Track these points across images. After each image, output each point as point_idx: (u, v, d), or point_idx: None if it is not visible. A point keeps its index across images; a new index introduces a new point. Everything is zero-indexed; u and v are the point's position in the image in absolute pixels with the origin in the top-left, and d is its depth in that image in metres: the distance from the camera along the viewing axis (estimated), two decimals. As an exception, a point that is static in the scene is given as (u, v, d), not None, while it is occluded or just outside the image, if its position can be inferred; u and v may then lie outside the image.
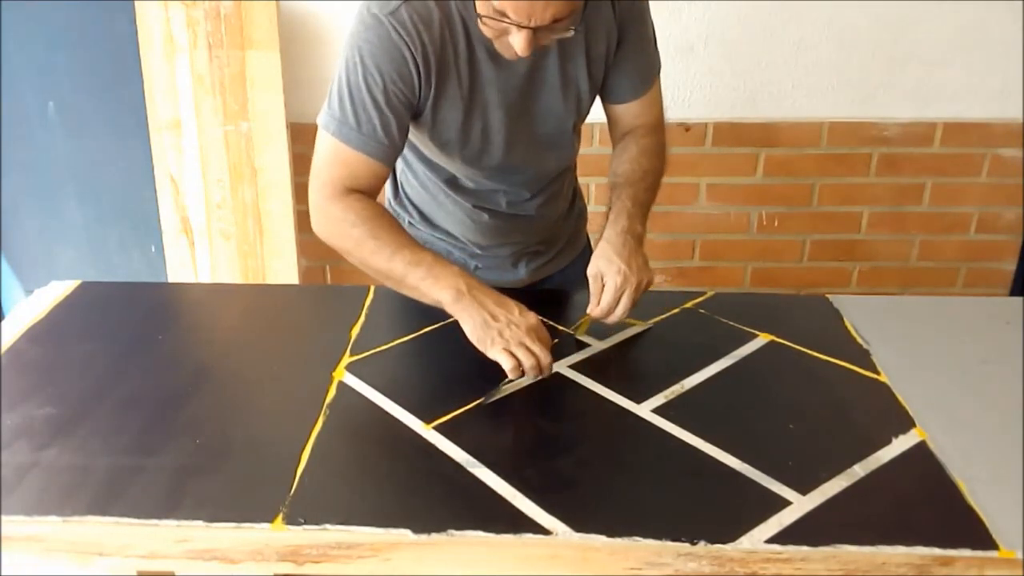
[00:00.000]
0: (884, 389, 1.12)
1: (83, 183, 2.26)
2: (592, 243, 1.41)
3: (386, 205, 1.45)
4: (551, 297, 1.40)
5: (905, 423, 1.05)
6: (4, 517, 0.89)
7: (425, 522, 0.88)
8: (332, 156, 1.18)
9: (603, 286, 1.17)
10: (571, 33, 1.09)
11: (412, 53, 1.13)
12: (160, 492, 0.92)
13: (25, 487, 0.93)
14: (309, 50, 2.12)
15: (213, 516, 0.89)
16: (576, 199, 1.52)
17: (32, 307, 1.33)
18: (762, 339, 1.24)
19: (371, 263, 1.17)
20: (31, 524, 0.89)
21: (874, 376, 1.15)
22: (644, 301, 1.27)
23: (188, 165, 2.13)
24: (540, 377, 1.11)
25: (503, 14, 1.04)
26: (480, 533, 0.87)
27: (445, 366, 1.19)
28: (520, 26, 1.04)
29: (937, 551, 0.85)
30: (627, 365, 1.19)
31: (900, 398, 1.10)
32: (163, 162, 2.14)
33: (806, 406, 1.09)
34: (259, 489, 0.93)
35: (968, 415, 1.06)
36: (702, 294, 1.37)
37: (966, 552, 0.85)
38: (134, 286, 1.47)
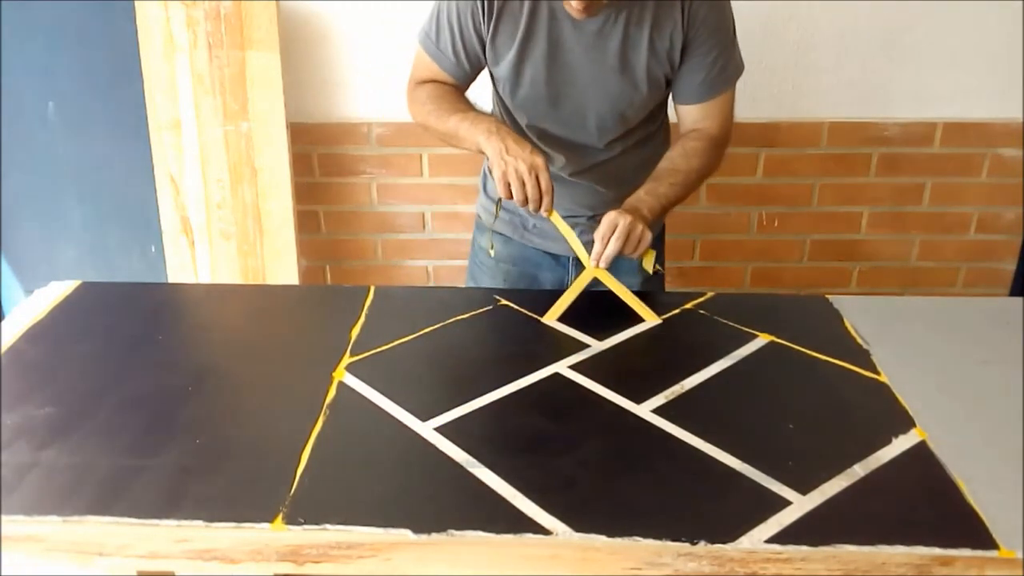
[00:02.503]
0: (884, 389, 1.12)
1: (83, 183, 2.26)
2: None
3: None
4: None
5: (905, 423, 1.05)
6: (4, 517, 0.89)
7: (425, 522, 0.88)
8: (418, 60, 1.44)
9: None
10: None
11: None
12: (160, 492, 0.92)
13: (25, 487, 0.93)
14: (309, 50, 2.12)
15: (213, 516, 0.89)
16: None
17: (32, 307, 1.33)
18: (762, 339, 1.24)
19: (439, 128, 1.38)
20: (31, 524, 0.89)
21: (874, 376, 1.15)
22: (646, 301, 1.27)
23: (188, 165, 2.13)
24: (538, 212, 1.27)
25: None
26: (480, 533, 0.87)
27: (445, 366, 1.19)
28: None
29: (937, 551, 0.85)
30: (627, 365, 1.19)
31: (900, 398, 1.10)
32: (163, 162, 2.14)
33: (806, 406, 1.09)
34: (259, 489, 0.93)
35: (968, 415, 1.06)
36: (702, 294, 1.37)
37: (966, 552, 0.85)
38: (134, 286, 1.48)
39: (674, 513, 0.90)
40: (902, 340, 1.24)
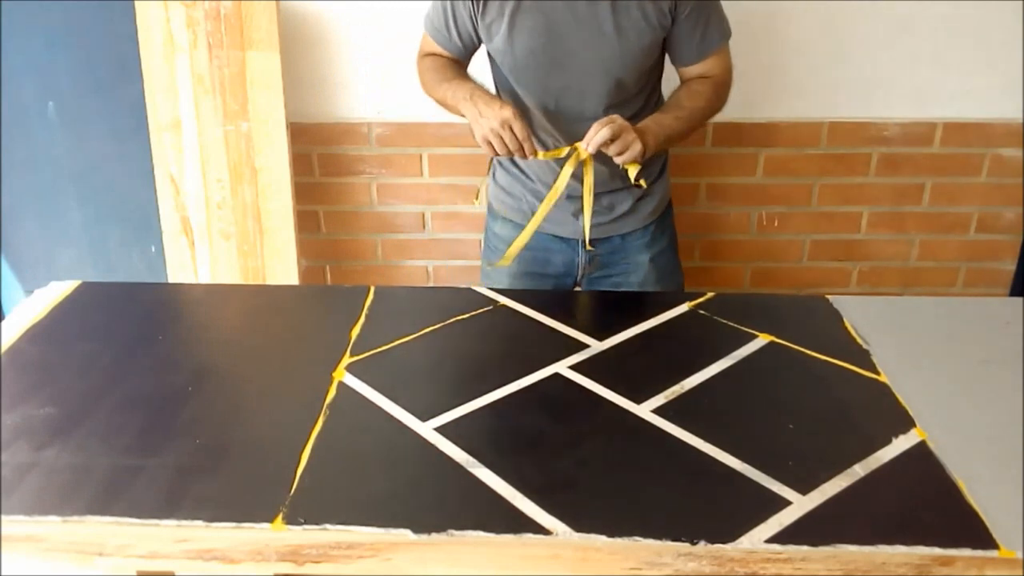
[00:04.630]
0: (884, 389, 1.12)
1: (83, 183, 2.26)
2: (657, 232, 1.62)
3: None
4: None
5: (905, 423, 1.05)
6: (4, 517, 0.89)
7: (425, 522, 0.88)
8: (423, 39, 1.57)
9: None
10: None
11: None
12: (160, 492, 0.92)
13: (25, 487, 0.93)
14: (309, 50, 2.12)
15: (213, 516, 0.89)
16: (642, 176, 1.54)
17: (32, 307, 1.33)
18: (762, 339, 1.24)
19: (435, 97, 1.51)
20: (31, 524, 0.89)
21: (874, 376, 1.15)
22: (646, 301, 1.27)
23: (188, 165, 2.13)
24: (527, 157, 1.35)
25: None
26: (480, 533, 0.87)
27: (445, 366, 1.19)
28: None
29: (937, 551, 0.85)
30: (627, 365, 1.19)
31: (900, 398, 1.10)
32: (163, 162, 2.14)
33: (806, 406, 1.09)
34: (259, 489, 0.93)
35: (968, 415, 1.06)
36: (702, 295, 1.38)
37: (966, 552, 0.85)
38: (134, 286, 1.48)
39: (674, 513, 0.90)
40: (902, 340, 1.24)
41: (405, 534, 0.87)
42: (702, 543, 0.86)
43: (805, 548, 0.85)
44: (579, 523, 0.88)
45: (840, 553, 0.85)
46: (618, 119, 1.32)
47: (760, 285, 2.37)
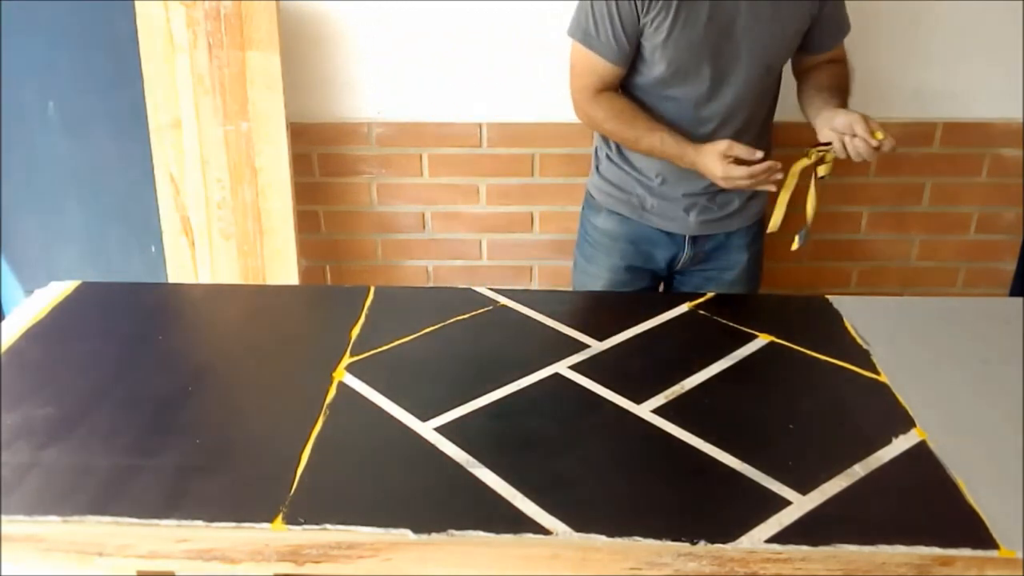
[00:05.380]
0: (884, 389, 1.12)
1: (83, 183, 2.26)
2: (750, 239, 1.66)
3: (594, 136, 1.67)
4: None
5: (905, 423, 1.05)
6: (4, 517, 0.89)
7: (425, 522, 0.88)
8: (580, 61, 1.48)
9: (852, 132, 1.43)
10: None
11: None
12: (160, 492, 0.92)
13: (25, 487, 0.93)
14: (309, 50, 2.12)
15: (213, 516, 0.89)
16: None
17: (32, 307, 1.33)
18: (762, 339, 1.24)
19: (638, 149, 1.50)
20: (31, 524, 0.89)
21: (874, 376, 1.15)
22: (646, 301, 1.27)
23: (188, 165, 2.13)
24: (773, 176, 1.41)
25: None
26: (480, 533, 0.87)
27: (445, 366, 1.19)
28: None
29: (937, 551, 0.85)
30: (627, 365, 1.19)
31: (900, 398, 1.10)
32: (163, 162, 2.14)
33: (806, 406, 1.09)
34: (259, 489, 0.93)
35: (968, 415, 1.06)
36: (702, 294, 1.38)
37: (966, 552, 0.85)
38: (134, 286, 1.48)
39: (674, 513, 0.90)
40: (902, 340, 1.24)
41: (405, 534, 0.87)
42: (702, 543, 0.86)
43: (805, 548, 0.85)
44: (579, 523, 0.88)
45: (840, 553, 0.85)
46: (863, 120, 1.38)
47: (761, 285, 2.37)
